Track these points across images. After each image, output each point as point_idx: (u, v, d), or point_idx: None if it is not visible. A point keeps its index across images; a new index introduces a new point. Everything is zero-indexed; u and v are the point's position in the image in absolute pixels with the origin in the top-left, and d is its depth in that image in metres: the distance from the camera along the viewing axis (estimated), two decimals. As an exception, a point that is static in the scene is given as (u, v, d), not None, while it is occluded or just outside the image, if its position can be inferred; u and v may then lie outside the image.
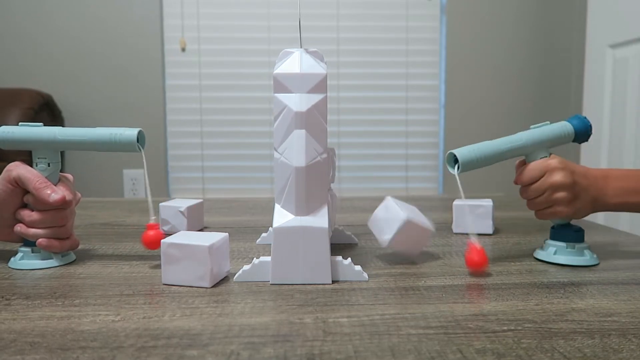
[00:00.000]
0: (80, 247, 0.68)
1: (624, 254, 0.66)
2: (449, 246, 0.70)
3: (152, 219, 0.60)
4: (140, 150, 0.59)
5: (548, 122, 0.64)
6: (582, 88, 1.97)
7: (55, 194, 0.57)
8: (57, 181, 0.61)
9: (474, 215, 0.78)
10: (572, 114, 2.23)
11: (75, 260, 0.63)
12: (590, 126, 0.64)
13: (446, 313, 0.45)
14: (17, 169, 0.58)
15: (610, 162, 1.73)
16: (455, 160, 0.60)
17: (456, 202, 0.79)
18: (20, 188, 0.58)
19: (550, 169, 0.60)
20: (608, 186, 0.61)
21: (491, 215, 0.77)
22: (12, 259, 0.60)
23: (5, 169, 0.58)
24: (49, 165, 0.60)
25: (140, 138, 0.59)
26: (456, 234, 0.78)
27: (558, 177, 0.59)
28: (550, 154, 0.63)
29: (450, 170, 0.61)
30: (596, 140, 1.82)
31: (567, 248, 0.62)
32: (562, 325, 0.42)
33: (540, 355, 0.36)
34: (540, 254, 0.64)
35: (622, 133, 1.65)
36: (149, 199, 0.60)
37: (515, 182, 0.64)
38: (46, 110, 1.97)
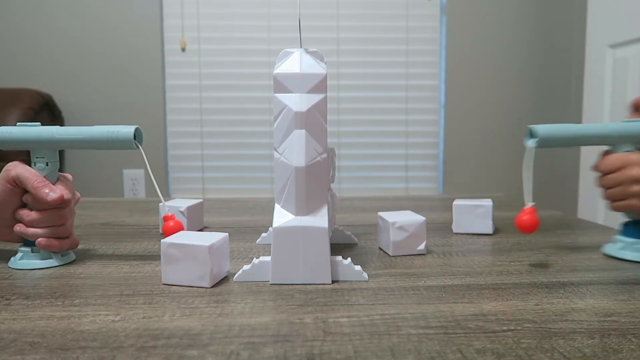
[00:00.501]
0: (80, 247, 0.68)
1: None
2: (449, 246, 0.70)
3: (167, 210, 0.61)
4: (138, 147, 0.59)
5: None
6: (582, 88, 1.97)
7: (53, 192, 0.57)
8: (56, 180, 0.61)
9: (473, 215, 0.78)
10: (572, 114, 2.23)
11: (75, 260, 0.63)
12: None
13: (446, 313, 0.45)
14: (16, 168, 0.58)
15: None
16: (534, 135, 0.61)
17: (456, 202, 0.79)
18: (19, 188, 0.58)
19: (630, 162, 0.61)
20: None
21: (491, 215, 0.77)
22: (12, 258, 0.60)
23: (4, 168, 0.59)
24: (47, 165, 0.60)
25: (137, 135, 0.59)
26: (456, 234, 0.78)
27: (635, 171, 0.60)
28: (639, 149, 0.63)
29: (528, 142, 0.61)
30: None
31: (634, 245, 0.62)
32: (561, 325, 0.42)
33: (540, 355, 0.36)
34: (608, 248, 0.65)
35: (622, 133, 1.65)
36: (158, 191, 0.63)
37: (594, 169, 0.64)
38: (46, 110, 1.97)
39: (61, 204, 0.59)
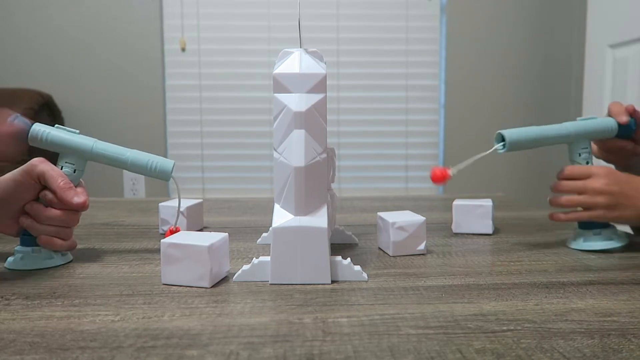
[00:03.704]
0: (80, 247, 0.68)
1: (624, 254, 0.66)
2: (449, 246, 0.70)
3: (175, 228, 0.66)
4: (173, 179, 0.65)
5: (596, 116, 0.68)
6: (582, 88, 1.97)
7: (78, 197, 0.58)
8: (77, 185, 0.61)
9: (473, 215, 0.78)
10: (572, 113, 2.23)
11: (73, 260, 0.63)
12: (635, 124, 0.68)
13: (446, 313, 0.45)
14: (42, 165, 0.58)
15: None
16: (502, 139, 0.65)
17: (456, 202, 0.79)
18: (39, 184, 0.59)
19: (595, 174, 0.65)
20: None
21: (491, 215, 0.77)
22: (9, 259, 0.60)
23: (29, 163, 0.59)
24: (74, 172, 0.61)
25: (172, 168, 0.64)
26: (456, 234, 0.78)
27: (600, 182, 0.64)
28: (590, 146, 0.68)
29: (496, 146, 0.65)
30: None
31: (594, 235, 0.67)
32: (561, 325, 0.42)
33: (540, 355, 0.36)
34: (572, 243, 0.69)
35: (622, 133, 1.65)
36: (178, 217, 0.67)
37: (559, 176, 0.68)
38: (46, 110, 1.97)
39: (82, 209, 0.60)
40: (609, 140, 0.70)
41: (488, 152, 0.64)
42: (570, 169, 0.67)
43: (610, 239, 0.66)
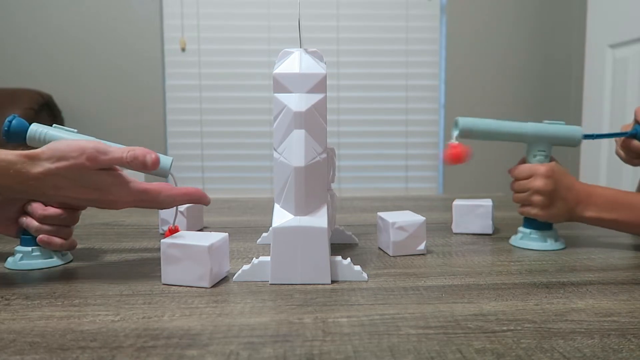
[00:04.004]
0: (80, 246, 0.68)
1: (624, 254, 0.66)
2: (449, 246, 0.70)
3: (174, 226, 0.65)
4: (172, 175, 0.65)
5: (563, 122, 0.69)
6: (582, 88, 1.97)
7: (149, 155, 0.56)
8: None
9: (473, 215, 0.78)
10: (572, 113, 2.23)
11: (73, 260, 0.63)
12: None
13: (446, 313, 0.45)
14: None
15: (609, 162, 1.73)
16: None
17: (456, 202, 0.79)
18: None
19: (537, 173, 0.67)
20: (589, 201, 0.67)
21: (491, 215, 0.77)
22: (9, 259, 0.60)
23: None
24: None
25: (170, 165, 0.65)
26: (456, 234, 0.78)
27: (538, 182, 0.66)
28: (551, 153, 0.69)
29: (453, 133, 0.69)
30: (596, 140, 1.82)
31: (530, 235, 0.69)
32: (561, 325, 0.42)
33: (540, 355, 0.36)
34: (512, 238, 0.72)
35: (622, 133, 1.65)
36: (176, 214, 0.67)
37: (510, 172, 0.71)
38: (46, 110, 1.97)
39: (154, 167, 0.58)
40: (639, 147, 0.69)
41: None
42: (516, 170, 0.69)
43: (545, 241, 0.69)
